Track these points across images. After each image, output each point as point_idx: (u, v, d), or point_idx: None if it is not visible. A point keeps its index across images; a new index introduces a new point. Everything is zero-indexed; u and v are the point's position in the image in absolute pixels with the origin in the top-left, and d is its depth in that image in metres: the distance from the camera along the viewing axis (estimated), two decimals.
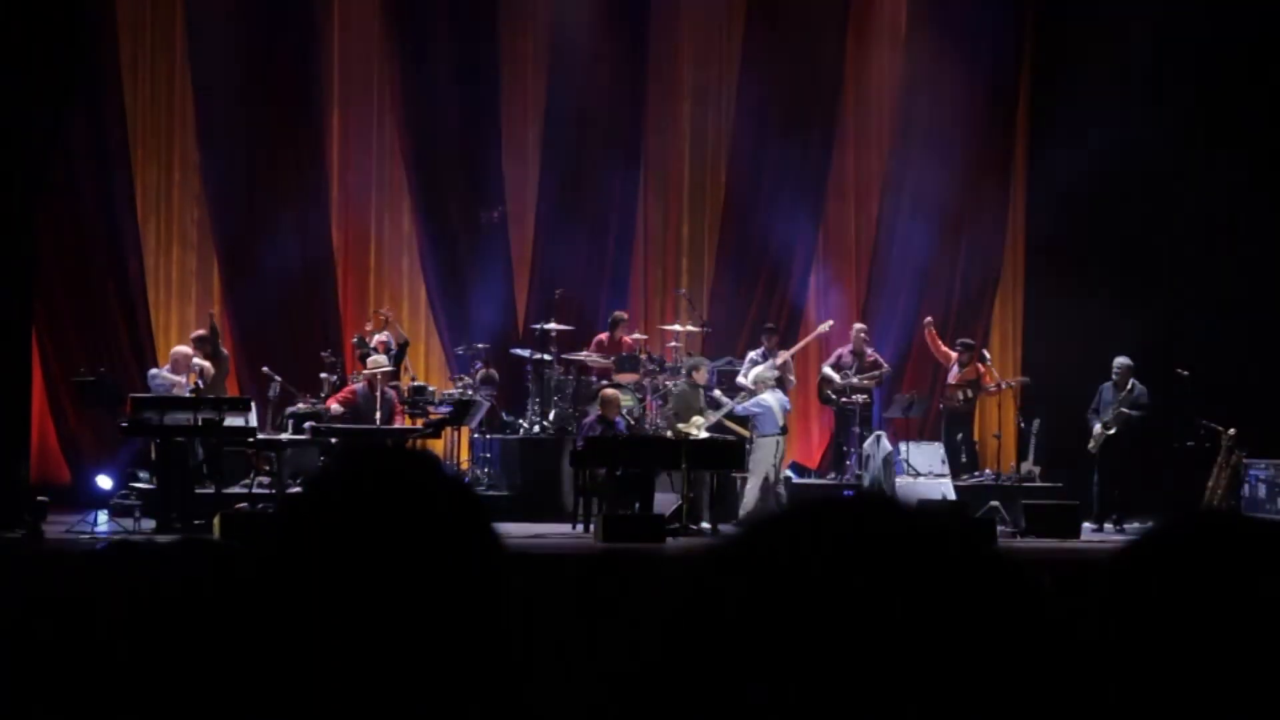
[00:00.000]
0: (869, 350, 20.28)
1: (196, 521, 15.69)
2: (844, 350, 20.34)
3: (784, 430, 18.24)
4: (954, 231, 22.06)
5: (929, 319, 20.70)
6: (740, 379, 19.33)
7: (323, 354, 19.19)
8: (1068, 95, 21.21)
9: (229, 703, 1.71)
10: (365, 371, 17.96)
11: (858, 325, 20.60)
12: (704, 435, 18.14)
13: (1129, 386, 18.57)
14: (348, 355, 19.91)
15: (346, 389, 18.14)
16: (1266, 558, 1.49)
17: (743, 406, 18.58)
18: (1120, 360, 18.73)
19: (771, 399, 18.23)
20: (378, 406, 17.74)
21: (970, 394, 20.06)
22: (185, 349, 18.01)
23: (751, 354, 19.79)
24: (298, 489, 17.11)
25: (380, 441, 17.19)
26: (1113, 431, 18.47)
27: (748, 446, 18.15)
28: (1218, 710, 1.41)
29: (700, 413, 18.44)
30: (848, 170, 22.63)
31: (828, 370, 20.25)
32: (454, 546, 1.73)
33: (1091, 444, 18.63)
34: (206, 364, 17.70)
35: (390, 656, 1.65)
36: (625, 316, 20.48)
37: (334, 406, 17.66)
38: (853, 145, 22.64)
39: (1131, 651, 1.44)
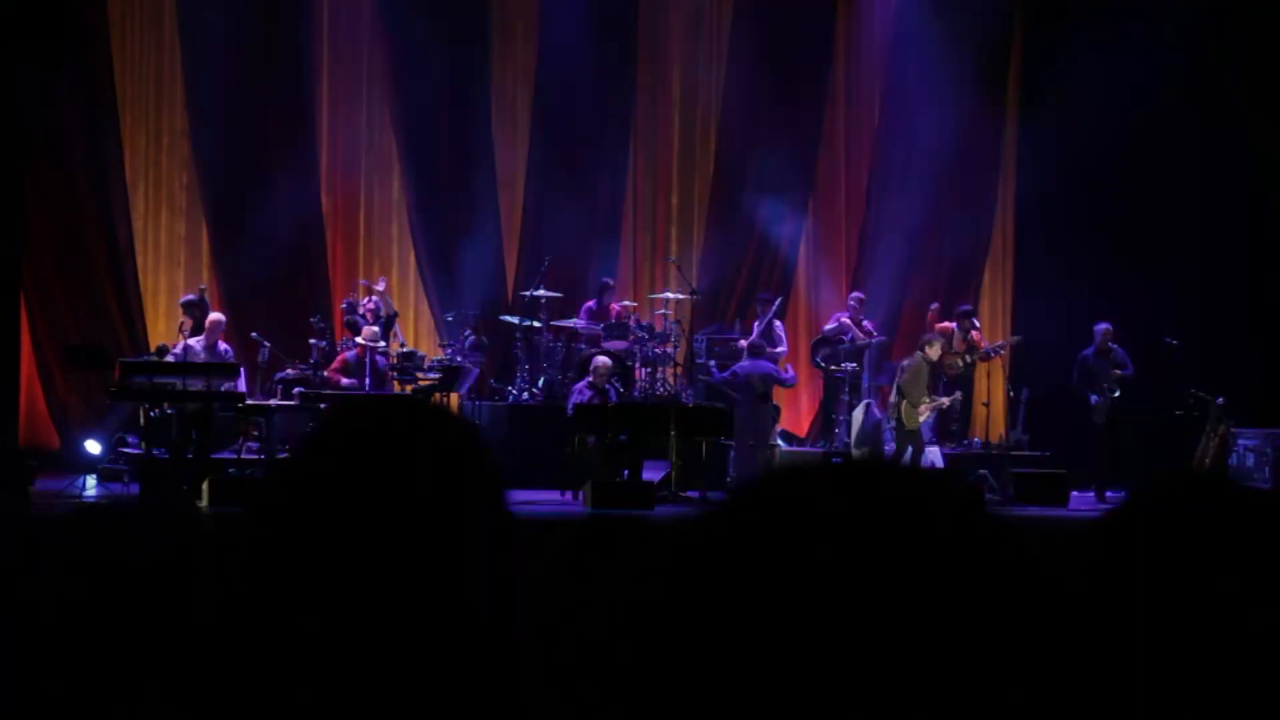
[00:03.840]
0: (865, 321, 20.32)
1: (185, 487, 15.70)
2: (844, 316, 20.35)
3: (764, 397, 18.19)
4: (945, 198, 22.04)
5: (935, 305, 20.55)
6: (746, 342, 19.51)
7: (312, 320, 19.17)
8: (1060, 57, 21.13)
9: (199, 672, 1.70)
10: (360, 340, 17.99)
11: (857, 294, 20.62)
12: (926, 417, 18.22)
13: (1110, 351, 18.54)
14: (337, 321, 19.91)
15: (338, 359, 18.13)
16: (1244, 521, 1.49)
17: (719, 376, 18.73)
18: (1100, 326, 18.67)
19: (748, 364, 18.22)
20: (367, 373, 17.77)
21: (969, 359, 20.03)
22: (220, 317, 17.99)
23: (757, 323, 19.84)
24: (287, 454, 17.17)
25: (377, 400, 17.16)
26: (1116, 395, 18.39)
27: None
28: (1194, 668, 1.42)
29: (926, 395, 18.43)
30: (838, 137, 22.60)
31: (828, 329, 20.28)
32: (456, 514, 1.69)
33: (1096, 416, 18.48)
34: (229, 347, 17.75)
35: (379, 633, 1.63)
36: (612, 283, 20.49)
37: (344, 381, 17.70)
38: (843, 112, 22.62)
39: (1115, 612, 1.44)
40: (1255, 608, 1.42)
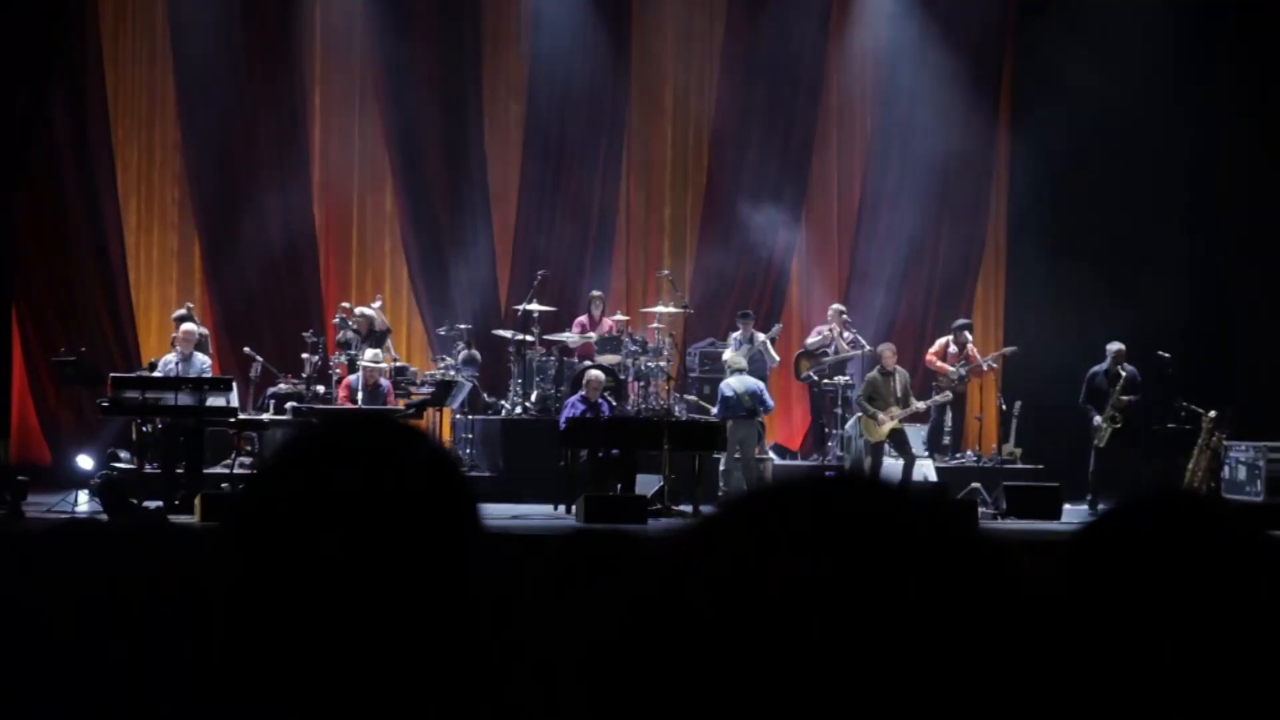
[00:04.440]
0: (847, 332, 20.30)
1: (176, 502, 15.72)
2: (825, 329, 20.38)
3: (751, 414, 18.20)
4: (937, 209, 22.07)
5: (930, 354, 20.45)
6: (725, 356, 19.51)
7: (304, 334, 19.16)
8: (1052, 67, 21.10)
9: (179, 685, 1.70)
10: (364, 363, 17.98)
11: (837, 306, 20.63)
12: (892, 426, 18.22)
13: (1122, 372, 18.46)
14: (329, 335, 19.89)
15: (344, 386, 18.11)
16: (1218, 537, 1.50)
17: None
18: (1113, 346, 18.61)
19: (735, 382, 18.24)
20: (361, 387, 17.78)
21: (964, 374, 20.00)
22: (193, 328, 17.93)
23: (733, 335, 19.86)
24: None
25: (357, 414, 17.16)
26: (1119, 425, 18.34)
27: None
28: (1166, 682, 1.42)
29: (898, 402, 18.38)
30: (830, 148, 22.62)
31: (811, 342, 20.30)
32: (427, 528, 1.69)
33: (1097, 439, 18.42)
34: (207, 358, 17.70)
35: (352, 646, 1.63)
36: (600, 295, 20.48)
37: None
38: (835, 125, 22.63)
39: (1087, 628, 1.45)
40: (1214, 624, 1.42)
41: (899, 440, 18.44)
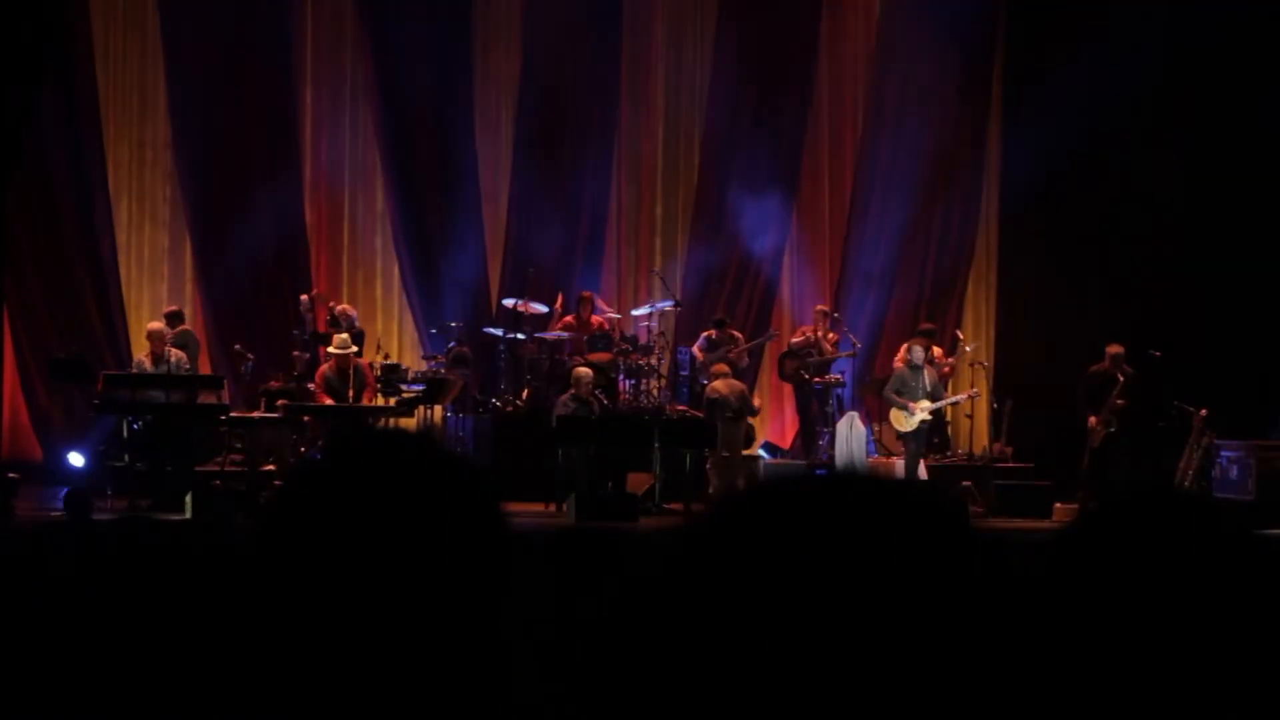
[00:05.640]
0: (832, 331, 20.33)
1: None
2: (808, 329, 20.41)
3: (738, 415, 18.22)
4: (928, 210, 22.04)
5: (950, 361, 20.43)
6: (695, 350, 19.56)
7: (295, 332, 19.15)
8: (1044, 64, 21.12)
9: (191, 690, 1.71)
10: (332, 350, 17.84)
11: (819, 307, 20.64)
12: (920, 418, 18.16)
13: (1120, 376, 18.38)
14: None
15: (320, 374, 18.02)
16: (1205, 535, 1.51)
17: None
18: (1112, 348, 18.51)
19: (721, 385, 18.26)
20: (350, 384, 17.69)
21: None
22: (159, 326, 17.90)
23: (704, 335, 19.88)
24: (271, 466, 17.14)
25: (366, 421, 17.13)
26: (1113, 429, 18.32)
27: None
28: (1152, 676, 1.43)
29: (928, 396, 18.34)
30: (822, 149, 22.59)
31: (795, 342, 20.35)
32: (454, 532, 1.70)
33: (1091, 437, 18.39)
34: (182, 354, 17.64)
35: (380, 649, 1.63)
36: (589, 295, 20.48)
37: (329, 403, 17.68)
38: (826, 125, 22.61)
39: (1075, 624, 1.45)
40: (1200, 620, 1.43)
41: (918, 435, 18.33)
